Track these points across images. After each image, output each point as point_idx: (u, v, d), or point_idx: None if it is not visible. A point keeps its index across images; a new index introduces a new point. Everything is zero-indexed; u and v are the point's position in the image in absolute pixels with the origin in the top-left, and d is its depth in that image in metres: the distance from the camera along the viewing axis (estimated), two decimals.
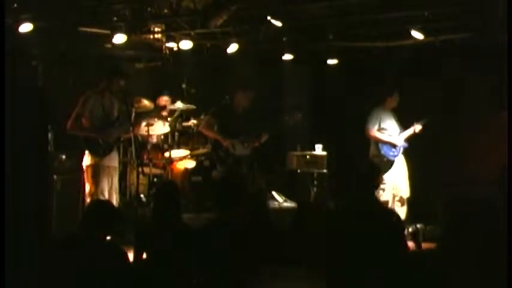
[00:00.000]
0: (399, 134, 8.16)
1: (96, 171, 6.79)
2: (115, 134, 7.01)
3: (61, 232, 6.61)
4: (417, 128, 8.16)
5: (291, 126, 8.04)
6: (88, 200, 6.74)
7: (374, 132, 8.12)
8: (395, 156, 8.13)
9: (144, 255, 4.88)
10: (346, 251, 4.23)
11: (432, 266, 3.64)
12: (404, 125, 8.23)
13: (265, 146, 7.84)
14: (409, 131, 8.18)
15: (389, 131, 8.16)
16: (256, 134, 7.66)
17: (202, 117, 8.34)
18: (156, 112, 8.52)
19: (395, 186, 8.13)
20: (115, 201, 6.92)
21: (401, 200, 8.12)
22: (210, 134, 7.79)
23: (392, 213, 4.89)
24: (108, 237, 4.39)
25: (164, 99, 8.67)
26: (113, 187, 6.93)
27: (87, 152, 6.87)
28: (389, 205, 8.05)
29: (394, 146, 8.11)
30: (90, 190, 6.77)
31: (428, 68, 9.05)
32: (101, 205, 4.70)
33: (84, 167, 6.88)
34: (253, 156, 7.69)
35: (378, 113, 8.19)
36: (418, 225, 7.32)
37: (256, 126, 7.65)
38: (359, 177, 4.50)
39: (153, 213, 5.10)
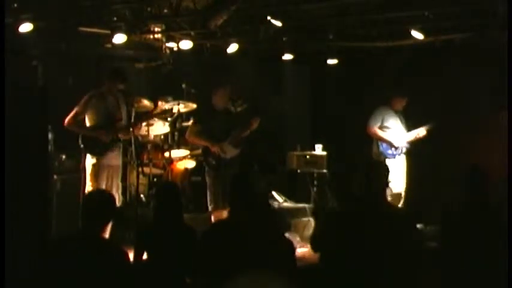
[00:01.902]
0: (403, 135, 8.15)
1: (97, 170, 6.79)
2: (111, 135, 6.96)
3: (61, 232, 6.62)
4: (421, 132, 8.15)
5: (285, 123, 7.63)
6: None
7: (374, 129, 8.12)
8: (394, 155, 8.12)
9: (145, 256, 4.88)
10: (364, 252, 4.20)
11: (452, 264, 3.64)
12: (409, 127, 8.22)
13: (264, 147, 7.72)
14: (413, 134, 8.17)
15: (392, 131, 8.14)
16: (247, 123, 7.28)
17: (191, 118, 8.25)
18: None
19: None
20: (117, 200, 6.91)
21: (396, 196, 8.11)
22: (197, 142, 7.50)
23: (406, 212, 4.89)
24: (106, 235, 4.38)
25: (164, 103, 8.51)
26: (114, 186, 6.92)
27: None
28: None
29: (393, 146, 8.11)
30: (90, 190, 6.77)
31: (428, 68, 9.06)
32: (98, 195, 4.67)
33: (85, 167, 6.88)
34: (247, 155, 7.47)
35: (382, 111, 8.19)
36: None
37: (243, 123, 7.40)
38: (369, 177, 4.46)
39: (154, 214, 5.09)
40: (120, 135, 7.07)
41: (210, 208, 7.09)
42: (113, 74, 7.10)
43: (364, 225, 4.27)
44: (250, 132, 7.33)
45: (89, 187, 6.79)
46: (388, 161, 8.08)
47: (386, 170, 4.66)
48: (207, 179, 7.24)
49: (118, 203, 6.91)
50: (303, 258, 6.30)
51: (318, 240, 4.79)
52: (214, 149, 7.15)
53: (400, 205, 8.04)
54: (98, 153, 6.84)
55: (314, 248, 4.84)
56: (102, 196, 4.47)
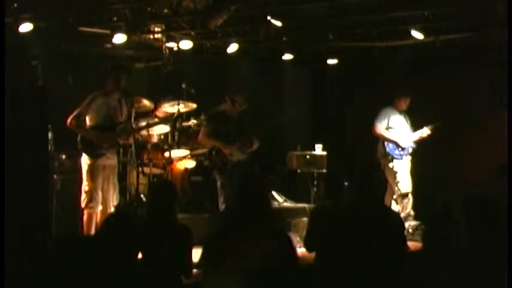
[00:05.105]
0: (409, 135, 8.15)
1: (92, 170, 6.78)
2: (109, 141, 6.94)
3: (61, 232, 6.63)
4: (425, 132, 8.16)
5: (286, 123, 7.80)
6: (84, 198, 6.74)
7: (379, 129, 8.12)
8: (401, 156, 8.12)
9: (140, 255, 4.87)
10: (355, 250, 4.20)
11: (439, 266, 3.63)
12: (415, 127, 8.23)
13: (264, 147, 7.76)
14: (418, 134, 8.17)
15: (397, 131, 8.14)
16: (249, 141, 7.49)
17: (202, 117, 8.28)
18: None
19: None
20: (114, 199, 6.92)
21: (401, 196, 8.12)
22: (209, 142, 7.63)
23: (395, 214, 4.90)
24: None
25: (166, 105, 8.46)
26: (111, 185, 6.91)
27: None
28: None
29: (400, 146, 8.10)
30: (86, 189, 6.77)
31: (428, 68, 9.06)
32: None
33: (81, 166, 6.89)
34: (252, 160, 7.57)
35: (387, 112, 8.20)
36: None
37: (252, 129, 7.55)
38: (367, 178, 4.46)
39: (147, 213, 5.08)
40: (118, 140, 7.07)
41: (222, 208, 7.22)
42: (116, 67, 7.10)
43: (354, 225, 4.27)
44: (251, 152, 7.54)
45: (85, 186, 6.79)
46: (395, 162, 8.12)
47: (380, 171, 4.68)
48: (218, 181, 7.38)
49: (116, 202, 6.95)
50: (302, 258, 6.29)
51: (310, 240, 4.82)
52: (227, 150, 7.30)
53: (409, 205, 8.07)
54: (95, 156, 6.83)
55: (307, 247, 4.87)
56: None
